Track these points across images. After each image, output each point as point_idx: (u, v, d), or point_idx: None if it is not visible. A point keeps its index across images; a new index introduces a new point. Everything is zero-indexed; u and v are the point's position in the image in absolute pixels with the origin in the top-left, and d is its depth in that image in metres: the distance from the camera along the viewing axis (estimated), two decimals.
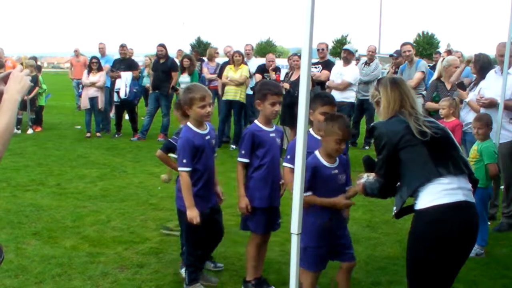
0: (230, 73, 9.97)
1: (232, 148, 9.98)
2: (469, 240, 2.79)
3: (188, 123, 3.77)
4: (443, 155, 2.79)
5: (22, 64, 13.04)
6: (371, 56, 10.56)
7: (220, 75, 10.44)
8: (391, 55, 10.77)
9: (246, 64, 10.21)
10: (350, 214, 5.93)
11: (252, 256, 3.91)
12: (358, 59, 14.10)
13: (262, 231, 3.89)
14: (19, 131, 11.57)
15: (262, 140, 3.78)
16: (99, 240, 4.94)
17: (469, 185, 2.82)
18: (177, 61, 12.11)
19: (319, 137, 3.51)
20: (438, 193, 2.70)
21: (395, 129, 2.83)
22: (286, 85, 8.70)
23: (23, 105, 11.63)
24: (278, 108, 3.82)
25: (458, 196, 2.71)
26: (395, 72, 9.69)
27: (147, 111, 11.48)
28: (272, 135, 3.83)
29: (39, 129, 11.98)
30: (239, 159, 3.83)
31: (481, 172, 4.81)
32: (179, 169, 3.69)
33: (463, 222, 2.73)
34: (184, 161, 3.64)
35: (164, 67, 10.91)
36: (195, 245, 3.84)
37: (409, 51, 8.64)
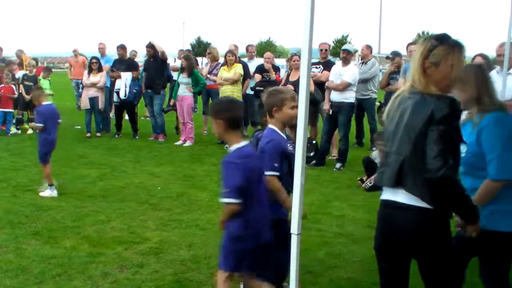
0: (224, 73, 9.99)
1: (226, 147, 10.00)
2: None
3: (272, 126, 3.52)
4: None
5: (23, 64, 13.07)
6: (365, 54, 10.54)
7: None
8: (387, 57, 10.77)
9: (239, 62, 10.20)
10: (350, 214, 6.01)
11: None
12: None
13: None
14: (19, 131, 11.58)
15: None
16: (99, 240, 4.95)
17: None
18: (179, 61, 12.13)
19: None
20: None
21: None
22: (291, 87, 8.70)
23: (24, 105, 11.64)
24: None
25: None
26: (395, 72, 9.69)
27: (150, 113, 11.48)
28: None
29: None
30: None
31: None
32: (269, 173, 3.31)
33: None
34: (276, 164, 3.34)
35: (155, 64, 10.97)
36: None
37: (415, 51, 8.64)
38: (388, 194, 2.68)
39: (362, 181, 7.16)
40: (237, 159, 3.04)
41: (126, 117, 11.91)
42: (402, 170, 2.56)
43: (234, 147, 3.11)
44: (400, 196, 2.59)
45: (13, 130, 11.50)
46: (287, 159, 3.42)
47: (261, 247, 3.18)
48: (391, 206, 2.66)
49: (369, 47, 10.76)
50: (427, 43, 2.62)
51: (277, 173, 3.35)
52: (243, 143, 3.15)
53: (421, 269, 2.66)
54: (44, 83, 12.00)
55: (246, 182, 3.00)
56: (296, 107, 3.38)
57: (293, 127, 3.65)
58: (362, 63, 10.40)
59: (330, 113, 8.69)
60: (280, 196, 3.39)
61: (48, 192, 6.53)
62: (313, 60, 9.16)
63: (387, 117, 2.72)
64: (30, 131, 11.58)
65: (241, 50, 11.91)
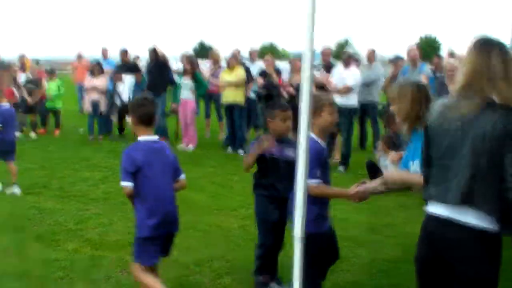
0: (226, 76, 10.00)
1: (229, 151, 10.00)
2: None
3: (312, 134, 3.39)
4: None
5: (25, 67, 13.09)
6: (370, 58, 10.53)
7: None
8: (389, 61, 10.77)
9: (241, 65, 10.21)
10: (353, 217, 5.98)
11: None
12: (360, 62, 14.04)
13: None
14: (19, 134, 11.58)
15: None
16: (101, 243, 4.94)
17: None
18: (181, 65, 12.14)
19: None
20: None
21: None
22: (291, 90, 8.71)
23: (26, 109, 11.65)
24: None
25: None
26: (394, 75, 9.67)
27: None
28: None
29: (57, 132, 12.09)
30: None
31: None
32: (313, 181, 3.22)
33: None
34: (318, 172, 3.30)
35: (156, 67, 10.96)
36: (319, 274, 3.53)
37: (415, 54, 8.68)
38: (444, 209, 2.47)
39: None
40: (131, 150, 3.50)
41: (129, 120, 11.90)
42: (471, 186, 2.37)
43: (138, 139, 3.50)
44: (466, 215, 2.40)
45: (32, 135, 11.54)
46: (324, 168, 3.42)
47: (159, 238, 3.48)
48: (447, 223, 2.46)
49: (374, 51, 10.77)
50: (495, 47, 2.45)
51: (320, 181, 3.33)
52: (149, 138, 3.51)
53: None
54: (51, 86, 12.03)
55: (135, 169, 3.42)
56: (334, 112, 3.48)
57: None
58: (367, 66, 10.41)
59: None
60: (335, 196, 3.53)
61: None
62: (315, 63, 9.16)
63: (434, 127, 2.52)
64: (32, 134, 11.62)
65: (244, 54, 11.92)
